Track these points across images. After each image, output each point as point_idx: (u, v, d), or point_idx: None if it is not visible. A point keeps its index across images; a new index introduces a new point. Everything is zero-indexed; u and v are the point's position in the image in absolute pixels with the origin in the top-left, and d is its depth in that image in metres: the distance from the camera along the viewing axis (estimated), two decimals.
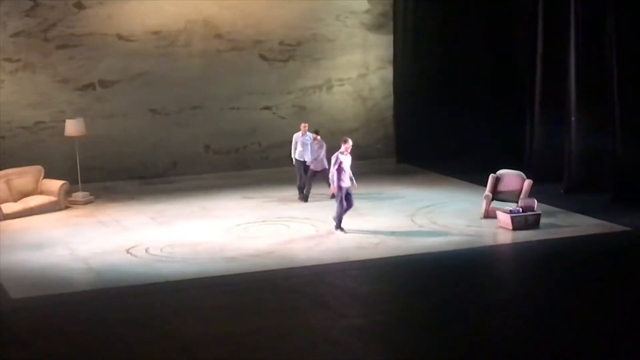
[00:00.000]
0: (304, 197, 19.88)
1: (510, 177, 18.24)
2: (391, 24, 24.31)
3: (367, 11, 24.12)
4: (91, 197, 20.59)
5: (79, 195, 20.44)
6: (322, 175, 19.55)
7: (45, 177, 20.24)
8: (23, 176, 19.97)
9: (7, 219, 18.84)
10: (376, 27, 24.25)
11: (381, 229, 17.36)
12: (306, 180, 19.86)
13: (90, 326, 12.58)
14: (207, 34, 22.83)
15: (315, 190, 19.88)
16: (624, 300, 13.10)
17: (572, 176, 19.83)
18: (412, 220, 18.01)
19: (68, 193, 20.29)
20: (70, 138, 20.62)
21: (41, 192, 20.04)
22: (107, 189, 21.34)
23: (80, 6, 21.73)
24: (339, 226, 17.19)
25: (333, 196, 17.54)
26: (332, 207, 17.41)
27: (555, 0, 20.39)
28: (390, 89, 24.42)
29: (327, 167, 19.01)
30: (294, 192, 20.35)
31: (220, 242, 16.89)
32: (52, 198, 19.85)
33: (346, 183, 17.01)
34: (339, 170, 16.89)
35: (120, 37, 22.16)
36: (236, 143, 23.34)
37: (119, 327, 12.48)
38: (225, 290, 14.18)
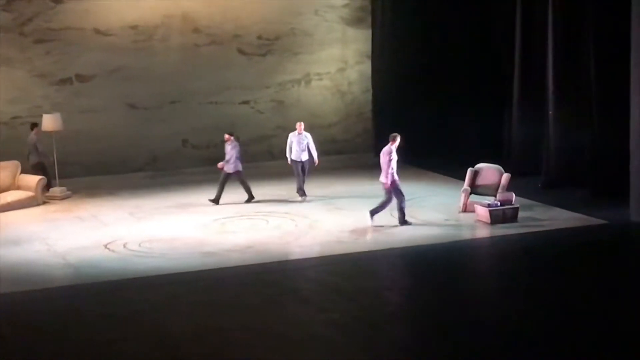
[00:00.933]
0: (302, 194, 19.44)
1: (489, 171, 18.30)
2: (370, 19, 24.32)
3: (346, 5, 24.13)
4: (69, 193, 20.52)
5: (56, 191, 20.36)
6: (236, 177, 19.25)
7: (23, 172, 20.14)
8: (0, 171, 19.84)
9: None
10: (355, 22, 24.25)
11: (360, 224, 17.36)
12: (219, 183, 19.21)
13: (68, 322, 12.53)
14: (185, 28, 22.76)
15: (240, 196, 19.46)
16: (602, 293, 13.17)
17: (550, 170, 19.92)
18: (391, 215, 18.00)
19: (45, 188, 20.19)
20: (48, 133, 20.51)
21: (18, 188, 19.94)
22: (85, 184, 21.23)
23: (57, 0, 21.64)
24: (404, 219, 17.08)
25: (249, 201, 18.39)
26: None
27: None
28: (369, 83, 24.43)
29: (240, 169, 19.04)
30: (272, 187, 20.34)
31: (198, 237, 16.85)
32: (30, 193, 19.75)
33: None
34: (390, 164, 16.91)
35: (97, 31, 22.06)
36: (215, 138, 23.24)
37: (97, 322, 12.42)
38: (203, 285, 14.15)
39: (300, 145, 19.37)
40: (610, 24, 18.25)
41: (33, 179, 19.86)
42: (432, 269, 14.98)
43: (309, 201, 19.25)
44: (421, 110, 23.14)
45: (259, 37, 23.41)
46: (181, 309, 12.96)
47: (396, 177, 17.02)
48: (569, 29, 19.52)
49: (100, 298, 13.59)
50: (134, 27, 22.33)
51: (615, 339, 11.35)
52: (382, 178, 17.08)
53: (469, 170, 18.32)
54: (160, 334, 11.93)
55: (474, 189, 18.16)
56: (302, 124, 19.57)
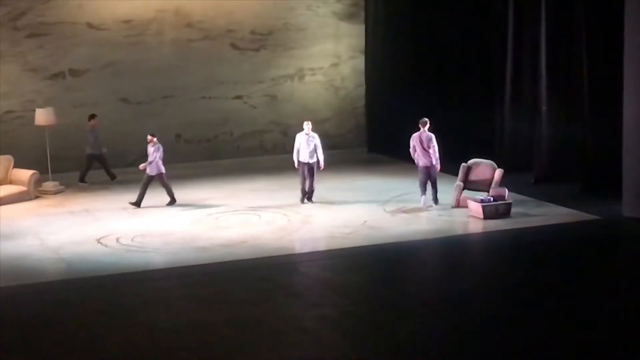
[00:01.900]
0: (307, 198, 18.63)
1: (482, 167, 18.32)
2: (363, 14, 24.33)
3: (339, 0, 24.12)
4: (61, 187, 20.50)
5: (49, 185, 20.34)
6: (158, 180, 18.71)
7: (15, 166, 20.12)
8: None
9: None
10: (348, 17, 24.26)
11: (352, 219, 17.38)
12: (141, 185, 18.59)
13: (61, 316, 12.52)
14: (178, 23, 22.75)
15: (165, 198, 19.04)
16: (594, 288, 13.20)
17: (542, 166, 19.94)
18: (384, 210, 18.04)
19: (38, 183, 20.17)
20: (40, 127, 20.49)
21: (11, 182, 19.92)
22: (78, 179, 21.20)
23: None
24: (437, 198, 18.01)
25: (171, 204, 18.34)
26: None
27: None
28: (362, 78, 24.45)
29: (163, 171, 18.53)
30: (265, 183, 20.35)
31: (191, 232, 16.85)
32: (22, 188, 19.73)
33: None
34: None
35: (90, 25, 22.03)
36: (207, 133, 23.29)
37: (89, 317, 12.42)
38: (196, 280, 14.15)
39: (308, 146, 18.43)
40: (603, 19, 18.27)
41: (26, 174, 19.83)
42: (425, 264, 15.00)
43: (314, 202, 18.59)
44: (414, 105, 23.12)
45: (252, 32, 23.40)
46: (173, 304, 12.95)
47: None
48: (562, 23, 19.54)
49: (92, 292, 13.59)
50: (127, 22, 22.31)
51: (608, 333, 11.38)
52: (428, 162, 17.85)
53: (462, 166, 18.33)
54: (152, 329, 11.93)
55: (467, 185, 18.17)
56: (310, 123, 18.63)
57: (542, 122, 19.84)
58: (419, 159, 18.00)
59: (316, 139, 18.49)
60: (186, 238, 16.43)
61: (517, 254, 15.37)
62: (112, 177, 21.20)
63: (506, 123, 21.10)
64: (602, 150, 18.40)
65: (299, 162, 18.53)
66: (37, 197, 19.88)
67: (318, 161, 18.52)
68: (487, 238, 16.55)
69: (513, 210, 17.27)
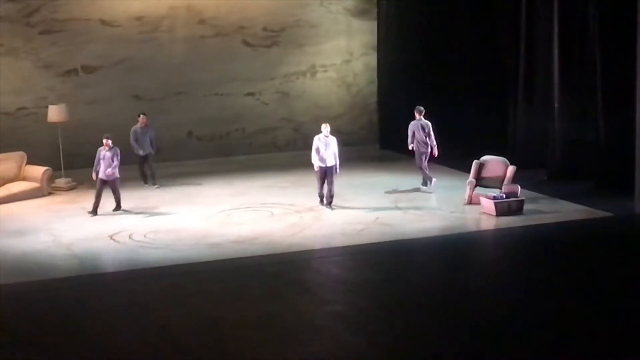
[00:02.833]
0: (326, 204, 17.99)
1: (494, 164, 18.28)
2: (375, 10, 24.31)
3: None
4: (74, 184, 20.54)
5: (61, 182, 20.38)
6: (111, 185, 18.10)
7: (28, 163, 20.18)
8: (5, 162, 19.87)
9: None
10: (360, 13, 24.24)
11: (365, 215, 17.37)
12: (96, 191, 18.02)
13: (73, 312, 12.54)
14: (190, 19, 22.76)
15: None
16: (607, 285, 13.16)
17: (555, 162, 19.90)
18: (396, 207, 18.03)
19: (51, 179, 20.22)
20: (53, 124, 20.54)
21: (24, 178, 19.97)
22: (90, 175, 21.19)
23: None
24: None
25: (116, 209, 17.96)
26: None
27: None
28: (374, 75, 24.43)
29: (117, 176, 18.02)
30: (276, 179, 20.39)
31: (203, 229, 16.87)
32: (35, 184, 19.78)
33: None
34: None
35: (103, 22, 22.07)
36: (220, 129, 23.30)
37: (102, 313, 12.44)
38: (208, 276, 14.16)
39: (327, 149, 17.84)
40: (615, 15, 18.21)
41: (38, 170, 19.88)
42: (436, 261, 14.98)
43: (333, 208, 18.00)
44: (426, 102, 23.08)
45: (264, 29, 23.40)
46: (185, 300, 12.96)
47: None
48: (574, 19, 19.48)
49: (105, 289, 13.61)
50: (139, 19, 22.33)
51: (621, 329, 11.35)
52: (425, 148, 19.15)
53: (475, 163, 18.31)
54: (164, 325, 11.94)
55: (479, 182, 18.15)
56: (328, 125, 18.06)
57: (555, 119, 19.80)
58: (420, 146, 19.23)
59: (334, 142, 17.93)
60: (198, 235, 16.45)
61: (529, 251, 15.35)
62: (145, 180, 20.69)
63: (519, 120, 21.07)
64: (615, 147, 18.35)
65: (318, 167, 17.89)
66: (49, 194, 19.93)
67: (335, 165, 17.99)
68: (499, 235, 16.53)
69: (525, 207, 17.24)
